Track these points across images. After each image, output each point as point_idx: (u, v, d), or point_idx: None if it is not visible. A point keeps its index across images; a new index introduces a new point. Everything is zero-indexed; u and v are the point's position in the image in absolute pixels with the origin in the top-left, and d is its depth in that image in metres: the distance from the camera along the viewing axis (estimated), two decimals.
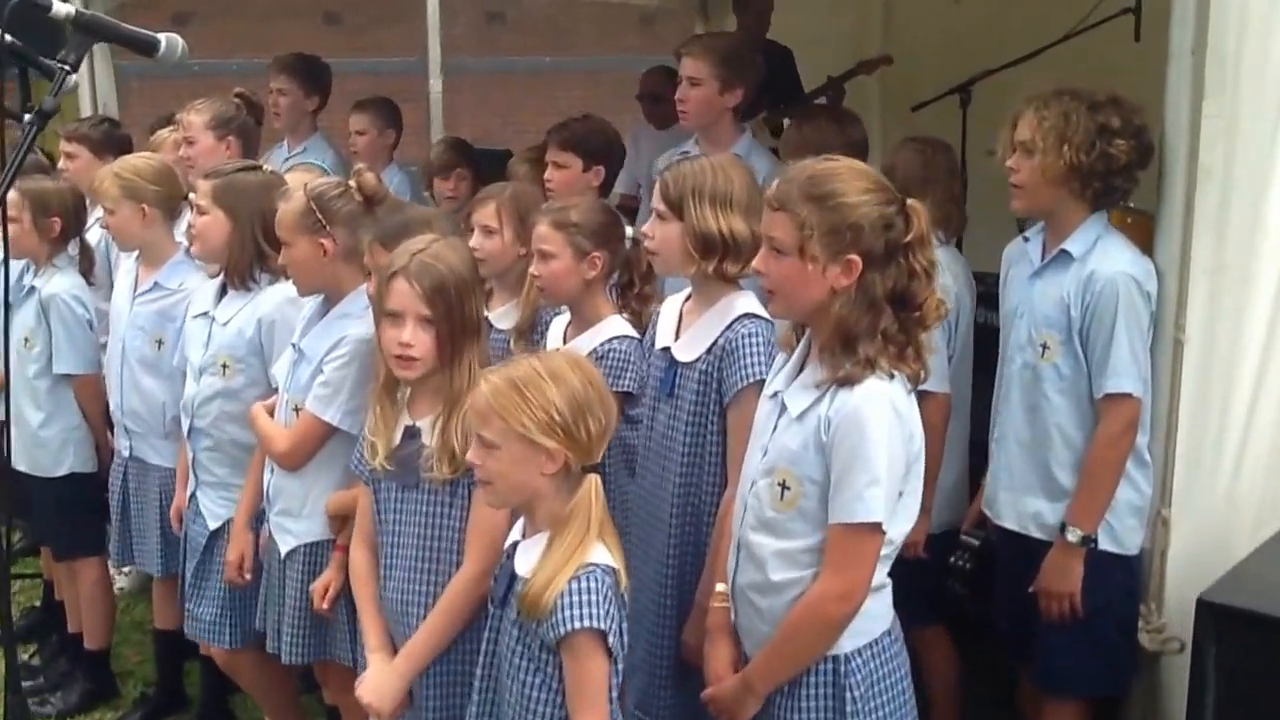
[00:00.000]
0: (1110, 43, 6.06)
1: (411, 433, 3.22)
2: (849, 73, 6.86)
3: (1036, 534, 3.75)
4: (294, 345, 3.84)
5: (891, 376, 2.76)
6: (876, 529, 2.73)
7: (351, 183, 3.79)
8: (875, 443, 2.70)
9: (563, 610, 2.64)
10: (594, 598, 2.64)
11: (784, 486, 2.83)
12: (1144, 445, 3.64)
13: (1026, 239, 3.88)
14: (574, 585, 2.65)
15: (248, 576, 3.99)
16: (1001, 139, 3.78)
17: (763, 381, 3.21)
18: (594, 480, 2.74)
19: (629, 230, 3.87)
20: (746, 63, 4.90)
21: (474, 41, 12.67)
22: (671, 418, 3.46)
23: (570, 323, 3.88)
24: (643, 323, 3.84)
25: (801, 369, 2.92)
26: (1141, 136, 3.60)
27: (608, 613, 2.65)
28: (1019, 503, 3.79)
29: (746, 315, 3.37)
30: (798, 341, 2.97)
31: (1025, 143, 3.66)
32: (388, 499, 3.28)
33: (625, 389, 3.66)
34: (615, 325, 3.78)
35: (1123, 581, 3.68)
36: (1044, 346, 3.67)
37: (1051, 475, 3.70)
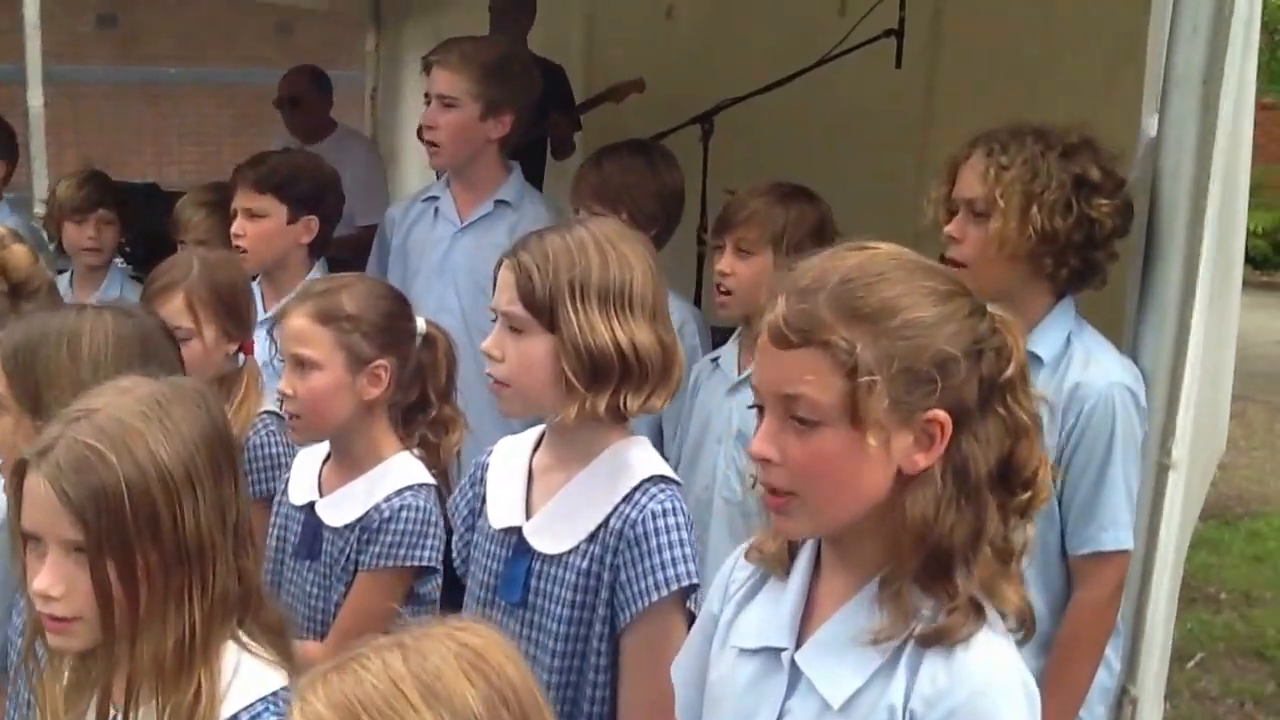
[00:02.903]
0: (867, 68, 5.12)
1: None
2: (596, 98, 5.63)
3: None
4: None
5: (1018, 628, 1.60)
6: None
7: None
8: None
9: None
10: None
11: None
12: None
13: None
14: None
15: None
16: (933, 193, 2.62)
17: (689, 589, 2.01)
18: None
19: (420, 323, 2.55)
20: (519, 80, 3.57)
21: (80, 48, 10.62)
22: (524, 639, 2.12)
23: (328, 462, 2.54)
24: (441, 461, 2.57)
25: (806, 602, 1.65)
26: (1123, 192, 2.57)
27: None
28: None
29: (652, 480, 2.09)
30: (790, 553, 1.68)
31: (974, 202, 2.54)
32: None
33: (423, 563, 2.44)
34: (404, 469, 2.49)
35: None
36: None
37: None
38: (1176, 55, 2.51)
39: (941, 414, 1.53)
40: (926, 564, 1.54)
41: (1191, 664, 5.14)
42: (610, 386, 2.05)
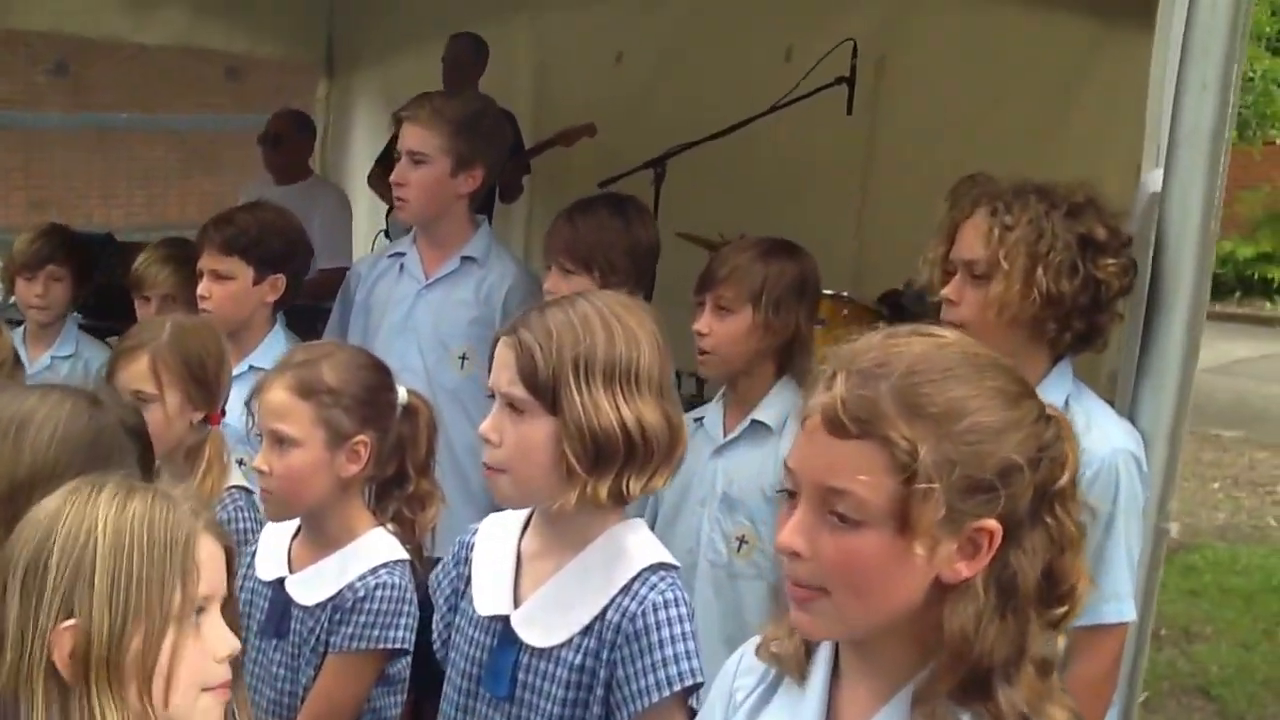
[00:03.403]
0: (817, 116, 5.01)
1: None
2: (545, 143, 5.47)
3: None
4: None
5: None
6: None
7: None
8: None
9: None
10: None
11: None
12: None
13: None
14: None
15: None
16: (929, 254, 2.50)
17: (693, 688, 1.87)
18: None
19: (401, 393, 2.40)
20: (491, 135, 3.44)
21: (30, 94, 10.29)
22: None
23: (297, 538, 2.38)
24: (416, 536, 2.41)
25: (828, 707, 1.50)
26: (1129, 250, 2.44)
27: None
28: None
29: (651, 568, 1.93)
30: (808, 652, 1.54)
31: (974, 264, 2.41)
32: None
33: (397, 644, 2.29)
34: (378, 545, 2.34)
35: None
36: None
37: None
38: (1185, 111, 2.40)
39: (993, 524, 1.39)
40: (965, 683, 1.40)
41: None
42: (614, 470, 1.89)
